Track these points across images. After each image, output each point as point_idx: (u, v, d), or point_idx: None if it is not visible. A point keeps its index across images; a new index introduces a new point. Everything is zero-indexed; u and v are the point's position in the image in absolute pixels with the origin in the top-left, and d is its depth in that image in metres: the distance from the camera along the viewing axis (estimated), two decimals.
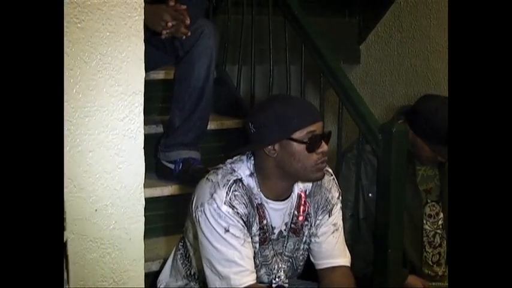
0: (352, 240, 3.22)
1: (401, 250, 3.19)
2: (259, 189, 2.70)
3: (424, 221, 3.34)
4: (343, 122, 3.48)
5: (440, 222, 3.37)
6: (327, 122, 3.73)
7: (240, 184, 2.67)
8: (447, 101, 3.16)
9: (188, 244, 2.85)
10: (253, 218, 2.69)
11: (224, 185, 2.64)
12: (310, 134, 2.60)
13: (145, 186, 2.49)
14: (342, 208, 2.93)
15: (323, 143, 2.63)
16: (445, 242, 3.39)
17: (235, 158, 2.74)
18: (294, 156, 2.62)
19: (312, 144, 2.60)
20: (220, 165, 2.74)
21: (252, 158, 2.71)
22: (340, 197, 2.88)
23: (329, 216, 2.84)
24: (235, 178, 2.67)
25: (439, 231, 3.37)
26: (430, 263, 3.37)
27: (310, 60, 3.63)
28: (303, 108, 2.64)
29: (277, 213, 2.75)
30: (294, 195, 2.79)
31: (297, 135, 2.60)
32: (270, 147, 2.63)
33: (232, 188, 2.64)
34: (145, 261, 2.53)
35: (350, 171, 3.32)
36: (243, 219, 2.64)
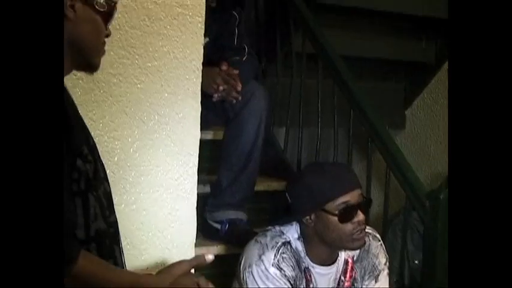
0: None
1: None
2: (305, 254, 2.70)
3: None
4: (390, 187, 3.48)
5: None
6: (373, 187, 3.73)
7: (289, 247, 2.68)
8: None
9: None
10: (300, 281, 2.69)
11: (273, 247, 2.65)
12: (343, 204, 2.60)
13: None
14: (388, 274, 2.92)
15: (359, 212, 2.62)
16: None
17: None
18: (327, 226, 2.62)
19: (344, 215, 2.60)
20: (270, 228, 2.75)
21: (298, 222, 2.73)
22: (388, 263, 2.87)
23: (375, 281, 2.83)
24: (283, 241, 2.68)
25: None
26: None
27: (357, 124, 3.65)
28: (336, 178, 2.63)
29: (324, 278, 2.75)
30: (341, 261, 2.78)
31: (329, 206, 2.60)
32: (307, 218, 2.64)
33: (280, 250, 2.65)
34: None
35: (396, 237, 3.32)
36: (290, 282, 2.64)
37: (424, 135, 4.75)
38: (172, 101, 2.36)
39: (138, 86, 2.29)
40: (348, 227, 2.61)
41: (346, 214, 2.60)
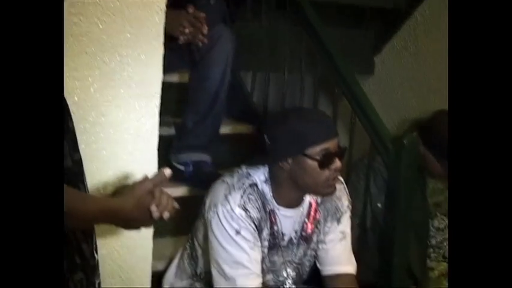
0: (359, 249, 3.24)
1: (406, 260, 3.20)
2: (272, 196, 2.72)
3: (433, 233, 3.35)
4: (355, 132, 3.50)
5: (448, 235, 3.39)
6: (339, 132, 3.74)
7: (255, 188, 2.70)
8: None
9: (197, 244, 2.88)
10: (265, 223, 2.71)
11: (239, 188, 2.67)
12: (324, 151, 2.61)
13: None
14: (350, 217, 2.96)
15: (336, 159, 2.64)
16: None
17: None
18: (305, 171, 2.64)
19: (324, 162, 2.62)
20: (236, 169, 2.77)
21: (267, 164, 2.74)
22: (350, 206, 2.91)
23: (338, 223, 2.87)
24: (250, 182, 2.70)
25: (446, 243, 3.38)
26: (442, 259, 3.37)
27: (324, 70, 3.65)
28: (319, 124, 2.64)
29: (288, 221, 2.78)
30: (305, 204, 2.81)
31: (310, 151, 2.61)
32: (283, 162, 2.66)
33: (247, 192, 2.67)
34: (152, 260, 2.57)
35: (359, 180, 3.34)
36: (254, 223, 2.67)
37: (393, 81, 4.75)
38: (135, 42, 2.34)
39: (100, 26, 2.27)
40: (325, 173, 2.63)
41: (326, 160, 2.61)
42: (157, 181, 1.92)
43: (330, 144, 2.62)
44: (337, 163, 2.64)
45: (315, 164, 2.61)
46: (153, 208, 1.88)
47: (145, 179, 1.91)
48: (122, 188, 1.88)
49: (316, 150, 2.61)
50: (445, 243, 3.37)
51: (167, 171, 1.92)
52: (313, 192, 2.73)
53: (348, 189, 3.04)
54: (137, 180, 1.90)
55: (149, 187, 1.89)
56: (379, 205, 3.27)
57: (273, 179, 2.72)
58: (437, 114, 3.32)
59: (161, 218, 1.91)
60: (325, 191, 2.69)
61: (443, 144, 3.13)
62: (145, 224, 1.95)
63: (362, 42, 4.79)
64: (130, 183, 2.37)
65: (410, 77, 4.64)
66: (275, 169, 2.70)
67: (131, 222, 1.91)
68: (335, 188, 2.71)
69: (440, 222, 3.38)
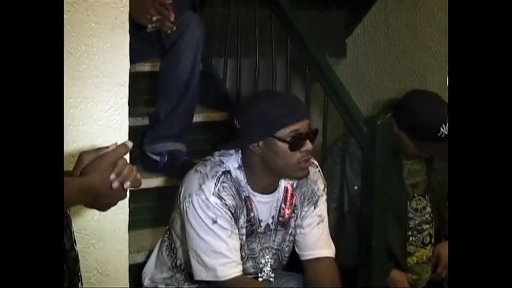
0: (337, 233, 3.24)
1: (385, 242, 3.20)
2: (246, 182, 2.70)
3: (411, 215, 3.34)
4: (329, 115, 3.49)
5: (427, 216, 3.38)
6: (312, 115, 3.73)
7: (229, 176, 2.68)
8: (433, 97, 3.21)
9: (174, 236, 2.85)
10: (241, 210, 2.70)
11: (213, 176, 2.65)
12: (293, 132, 2.60)
13: None
14: (327, 200, 2.95)
15: (307, 141, 2.63)
16: (433, 226, 3.39)
17: (222, 151, 2.75)
18: (277, 154, 2.62)
19: (295, 144, 2.60)
20: (209, 157, 2.75)
21: (240, 151, 2.72)
22: (326, 189, 2.90)
23: (314, 207, 2.85)
24: (223, 170, 2.68)
25: (426, 222, 3.38)
26: (421, 245, 3.37)
27: (296, 54, 3.64)
28: (288, 106, 2.63)
29: (264, 207, 2.76)
30: (281, 189, 2.80)
31: (281, 133, 2.60)
32: (255, 144, 2.64)
33: (220, 180, 2.65)
34: (130, 253, 2.56)
35: (335, 163, 3.33)
36: (230, 211, 2.65)
37: (365, 63, 4.74)
38: (100, 31, 2.31)
39: (64, 16, 2.23)
40: (296, 155, 2.61)
41: (297, 142, 2.60)
42: (119, 153, 1.87)
43: (300, 126, 2.60)
44: (308, 145, 2.63)
45: (285, 146, 2.60)
46: (112, 177, 1.83)
47: (107, 152, 1.87)
48: (88, 166, 1.83)
49: (286, 132, 2.59)
50: (425, 227, 3.36)
51: (129, 143, 1.88)
52: (286, 175, 2.71)
53: (324, 173, 3.03)
54: (97, 156, 1.86)
55: (111, 160, 1.84)
56: (355, 188, 3.26)
57: (246, 165, 2.70)
58: (410, 94, 3.31)
59: (123, 189, 1.86)
60: (298, 173, 2.67)
61: (417, 124, 3.12)
62: (113, 199, 1.91)
63: (333, 24, 4.77)
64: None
65: (383, 58, 4.63)
66: (247, 154, 2.68)
67: (102, 200, 1.87)
68: (308, 170, 2.70)
69: (418, 203, 3.37)
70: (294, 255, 2.93)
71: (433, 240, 3.41)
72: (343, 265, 3.06)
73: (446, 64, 2.11)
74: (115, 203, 1.92)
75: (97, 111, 2.35)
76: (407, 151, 3.26)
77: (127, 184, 1.86)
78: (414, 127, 3.14)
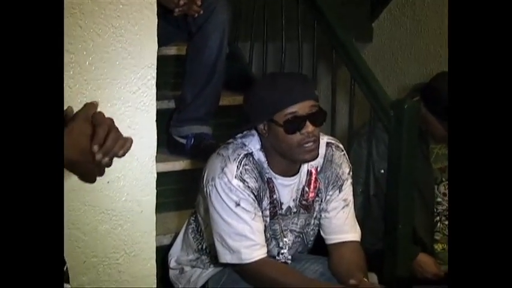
0: (363, 216, 3.23)
1: (411, 226, 3.19)
2: (267, 165, 2.71)
3: (440, 199, 3.34)
4: (356, 100, 3.48)
5: None
6: (338, 99, 3.73)
7: (251, 158, 2.68)
8: None
9: (200, 218, 2.87)
10: (264, 192, 2.70)
11: (235, 159, 2.66)
12: (290, 115, 2.58)
13: (158, 161, 2.51)
14: (353, 184, 2.94)
15: (307, 123, 2.60)
16: None
17: (245, 132, 2.76)
18: (277, 137, 2.63)
19: (289, 126, 2.59)
20: (231, 140, 2.75)
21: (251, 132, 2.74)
22: (351, 173, 2.88)
23: (339, 191, 2.84)
24: (245, 152, 2.68)
25: None
26: (441, 247, 3.36)
27: (322, 38, 3.63)
28: (286, 89, 2.60)
29: (286, 189, 2.76)
30: (303, 172, 2.79)
31: (277, 116, 2.60)
32: (261, 127, 2.65)
33: (243, 162, 2.66)
34: (156, 235, 2.56)
35: (361, 147, 3.33)
36: (253, 193, 2.66)
37: (391, 47, 4.73)
38: (128, 13, 2.31)
39: None
40: (296, 137, 2.60)
41: (293, 125, 2.59)
42: (87, 113, 1.65)
43: (298, 108, 2.58)
44: (309, 126, 2.60)
45: (281, 129, 2.60)
46: (95, 148, 1.62)
47: (73, 115, 1.65)
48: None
49: (282, 115, 2.59)
50: None
51: (96, 102, 1.69)
52: (291, 158, 2.68)
53: (350, 157, 3.03)
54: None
55: (79, 122, 1.62)
56: (382, 171, 3.26)
57: (264, 148, 2.71)
58: (438, 76, 3.30)
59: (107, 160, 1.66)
60: (303, 156, 2.65)
61: (445, 105, 3.11)
62: (91, 169, 1.67)
63: (359, 9, 4.76)
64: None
65: (409, 42, 4.62)
66: (262, 137, 2.70)
67: (77, 167, 1.64)
68: (316, 152, 2.66)
69: (446, 187, 3.36)
70: (320, 239, 2.93)
71: None
72: (368, 249, 3.06)
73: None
74: (91, 171, 1.69)
75: (125, 92, 2.35)
76: (435, 134, 3.25)
77: (105, 160, 1.66)
78: (443, 108, 3.13)
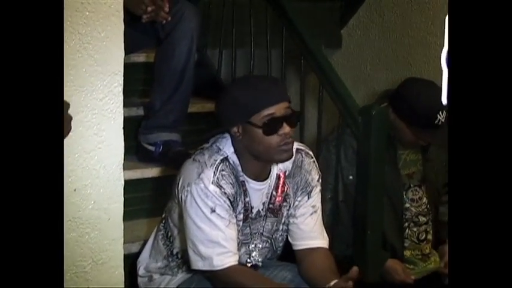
0: (332, 223, 3.24)
1: (380, 232, 3.20)
2: (241, 168, 2.71)
3: (408, 205, 3.35)
4: (324, 106, 3.49)
5: (423, 206, 3.38)
6: (307, 106, 3.74)
7: (227, 163, 2.68)
8: (430, 85, 3.21)
9: (172, 224, 2.85)
10: (239, 197, 2.70)
11: (211, 165, 2.65)
12: (268, 117, 2.60)
13: (126, 168, 2.51)
14: (322, 191, 2.95)
15: (284, 124, 2.61)
16: (430, 221, 3.40)
17: (217, 136, 2.75)
18: (254, 139, 2.63)
19: (268, 128, 2.60)
20: (205, 145, 2.75)
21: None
22: (320, 180, 2.89)
23: (308, 198, 2.85)
24: (222, 157, 2.68)
25: (423, 214, 3.38)
26: (416, 241, 3.37)
27: (291, 44, 3.64)
28: (261, 91, 2.62)
29: (257, 193, 2.77)
30: (273, 176, 2.80)
31: (254, 118, 2.60)
32: (234, 129, 2.66)
33: (219, 168, 2.66)
34: (125, 243, 2.55)
35: (330, 153, 3.33)
36: (229, 199, 2.66)
37: (360, 54, 4.74)
38: (94, 20, 2.30)
39: None
40: (274, 139, 2.61)
41: (271, 126, 2.60)
42: None
43: (275, 110, 2.60)
44: (286, 128, 2.62)
45: (260, 131, 2.61)
46: None
47: None
48: None
49: (259, 117, 2.60)
50: (421, 219, 3.36)
51: None
52: (267, 159, 2.70)
53: (319, 163, 3.03)
54: None
55: None
56: (350, 177, 3.26)
57: (236, 151, 2.71)
58: (406, 82, 3.32)
59: None
60: (280, 156, 2.67)
61: (414, 111, 3.13)
62: None
63: (328, 15, 4.77)
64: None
65: (378, 49, 4.63)
66: (234, 141, 2.70)
67: None
68: (292, 152, 2.68)
69: (415, 193, 3.37)
70: (288, 246, 2.93)
71: (428, 237, 3.40)
72: (338, 255, 3.06)
73: (441, 55, 2.13)
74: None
75: (91, 99, 2.34)
76: (403, 139, 3.26)
77: None
78: (411, 114, 3.15)
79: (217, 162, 2.66)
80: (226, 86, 2.76)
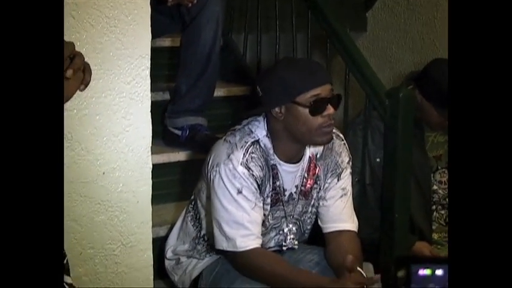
0: (359, 206, 3.23)
1: (407, 215, 3.18)
2: (273, 151, 2.71)
3: (436, 187, 3.33)
4: (351, 89, 3.48)
5: None
6: (334, 89, 3.72)
7: (258, 146, 2.68)
8: None
9: (200, 205, 2.86)
10: (268, 180, 2.70)
11: (242, 147, 2.66)
12: (314, 97, 2.60)
13: (153, 152, 2.51)
14: (350, 173, 2.94)
15: (329, 106, 2.62)
16: None
17: (250, 118, 2.75)
18: (298, 119, 2.62)
19: (315, 108, 2.60)
20: (237, 127, 2.75)
21: (265, 119, 2.73)
22: (350, 162, 2.89)
23: (338, 180, 2.85)
24: (252, 140, 2.69)
25: None
26: (444, 223, 3.35)
27: (316, 28, 3.62)
28: (308, 71, 2.63)
29: (289, 176, 2.77)
30: (306, 158, 2.80)
31: (301, 98, 2.60)
32: (277, 109, 2.64)
33: (249, 150, 2.66)
34: (153, 227, 2.56)
35: (357, 136, 3.31)
36: (257, 182, 2.66)
37: (386, 37, 4.72)
38: (121, 3, 2.31)
39: None
40: (318, 120, 2.61)
41: (317, 106, 2.60)
42: None
43: (321, 91, 2.60)
44: (330, 109, 2.62)
45: (306, 111, 2.60)
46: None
47: None
48: None
49: (306, 97, 2.60)
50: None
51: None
52: (309, 141, 2.70)
53: None
54: None
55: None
56: (378, 160, 3.25)
57: (272, 133, 2.70)
58: (433, 63, 3.30)
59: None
60: (321, 138, 2.67)
61: (441, 91, 3.10)
62: None
63: None
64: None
65: (403, 31, 4.61)
66: (272, 121, 2.69)
67: None
68: (331, 135, 2.69)
69: (442, 175, 3.35)
70: (316, 229, 2.93)
71: None
72: (364, 239, 3.06)
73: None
74: None
75: (119, 83, 2.34)
76: (431, 121, 3.24)
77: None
78: (439, 95, 3.12)
79: (247, 144, 2.67)
80: (270, 67, 2.74)
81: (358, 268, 2.66)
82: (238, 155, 2.64)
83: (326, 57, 3.61)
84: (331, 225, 2.86)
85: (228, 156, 2.64)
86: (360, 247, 2.83)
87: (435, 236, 3.35)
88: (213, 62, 3.43)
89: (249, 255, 2.68)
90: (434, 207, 3.34)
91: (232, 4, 4.02)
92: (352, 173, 3.11)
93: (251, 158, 2.65)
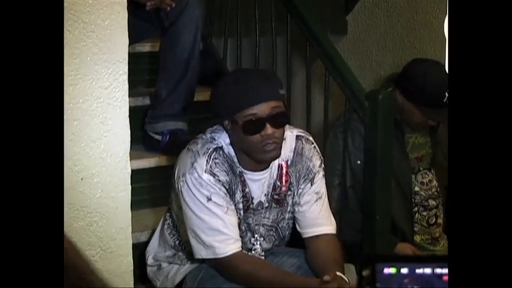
0: (340, 209, 3.23)
1: (389, 217, 3.19)
2: (237, 159, 2.70)
3: (418, 188, 3.34)
4: (331, 92, 3.48)
5: (433, 189, 3.37)
6: (314, 92, 3.73)
7: (221, 152, 2.67)
8: (436, 64, 3.21)
9: (174, 215, 2.85)
10: (236, 186, 2.69)
11: (204, 153, 2.64)
12: (250, 116, 2.56)
13: (133, 157, 2.51)
14: (330, 176, 2.94)
15: (267, 125, 2.57)
16: (440, 204, 3.39)
17: (215, 126, 2.75)
18: (239, 136, 2.62)
19: (248, 128, 2.57)
20: (200, 135, 2.74)
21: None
22: (323, 165, 2.85)
23: (311, 184, 2.82)
24: (215, 146, 2.67)
25: (433, 198, 3.37)
26: (426, 225, 3.36)
27: (296, 31, 3.62)
28: (248, 89, 2.58)
29: (256, 184, 2.75)
30: (274, 166, 2.77)
31: (237, 116, 2.58)
32: (226, 123, 2.64)
33: (212, 156, 2.64)
34: (133, 232, 2.55)
35: (337, 139, 3.32)
36: (225, 187, 2.65)
37: (366, 40, 4.72)
38: (98, 8, 2.30)
39: None
40: (256, 138, 2.58)
41: (250, 127, 2.57)
42: None
43: (258, 110, 2.56)
44: (268, 129, 2.57)
45: (240, 129, 2.59)
46: None
47: None
48: None
49: (242, 115, 2.57)
50: (431, 203, 3.36)
51: None
52: (253, 157, 2.67)
53: (327, 149, 3.02)
54: None
55: None
56: (358, 162, 3.25)
57: (232, 143, 2.70)
58: (413, 63, 3.32)
59: None
60: (263, 156, 2.63)
61: (422, 90, 3.12)
62: None
63: (333, 1, 4.75)
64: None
65: (384, 34, 4.61)
66: (228, 132, 2.68)
67: None
68: (277, 152, 2.63)
69: (424, 176, 3.37)
70: (297, 232, 2.93)
71: (438, 221, 3.39)
72: (347, 241, 3.06)
73: (447, 39, 2.12)
74: None
75: (97, 88, 2.34)
76: (412, 121, 3.25)
77: None
78: (420, 94, 3.14)
79: (209, 151, 2.65)
80: (219, 80, 2.73)
81: (339, 273, 2.65)
82: (202, 163, 2.62)
83: (306, 60, 3.61)
84: (309, 230, 2.84)
85: (192, 165, 2.63)
86: (339, 249, 2.82)
87: (417, 237, 3.36)
88: (192, 66, 3.43)
89: (231, 260, 2.67)
90: (416, 208, 3.34)
91: (212, 8, 4.01)
92: (333, 176, 3.12)
93: (215, 164, 2.64)
